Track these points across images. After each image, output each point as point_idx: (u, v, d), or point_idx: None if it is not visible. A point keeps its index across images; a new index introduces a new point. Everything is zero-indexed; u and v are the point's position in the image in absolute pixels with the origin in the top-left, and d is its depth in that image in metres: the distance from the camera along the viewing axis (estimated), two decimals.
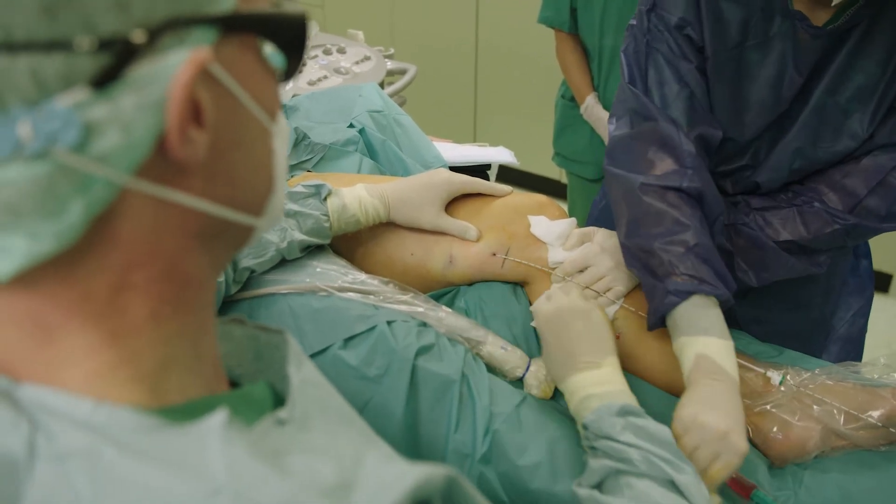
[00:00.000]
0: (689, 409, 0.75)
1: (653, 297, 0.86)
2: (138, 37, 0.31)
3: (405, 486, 0.34)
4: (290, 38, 0.39)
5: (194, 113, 0.34)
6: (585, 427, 0.74)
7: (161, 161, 0.34)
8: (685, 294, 0.82)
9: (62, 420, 0.33)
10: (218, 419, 0.34)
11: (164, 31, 0.32)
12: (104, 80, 0.31)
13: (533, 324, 0.92)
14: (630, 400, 0.75)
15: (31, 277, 0.33)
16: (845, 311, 1.14)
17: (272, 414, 0.39)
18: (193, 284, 0.39)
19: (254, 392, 0.43)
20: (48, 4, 0.29)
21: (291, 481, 0.34)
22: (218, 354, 0.43)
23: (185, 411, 0.36)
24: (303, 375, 0.43)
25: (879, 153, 0.92)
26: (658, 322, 0.86)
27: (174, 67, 0.32)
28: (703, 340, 0.81)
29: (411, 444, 0.79)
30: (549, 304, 0.84)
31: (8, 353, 0.35)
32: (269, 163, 0.41)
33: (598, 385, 0.76)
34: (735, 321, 1.11)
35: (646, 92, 0.94)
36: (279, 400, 0.43)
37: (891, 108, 0.91)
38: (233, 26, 0.36)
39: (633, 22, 0.97)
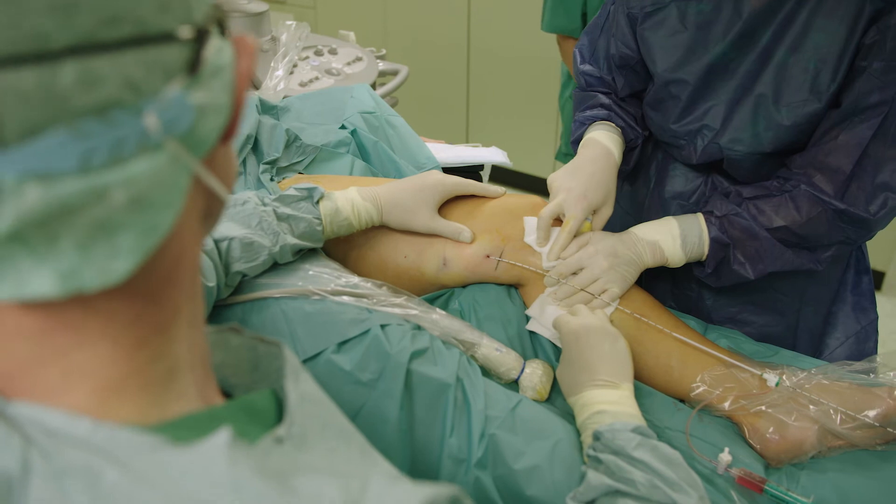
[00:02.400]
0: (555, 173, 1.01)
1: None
2: (210, 25, 0.34)
3: None
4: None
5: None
6: (597, 437, 0.74)
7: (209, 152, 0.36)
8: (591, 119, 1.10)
9: (59, 438, 0.32)
10: (222, 438, 0.33)
11: (211, 21, 0.35)
12: (195, 68, 0.33)
13: (546, 334, 0.93)
14: (644, 424, 0.75)
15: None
16: (842, 332, 1.12)
17: (271, 432, 0.38)
18: (197, 268, 0.39)
19: (256, 402, 0.42)
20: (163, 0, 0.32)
21: (298, 503, 0.33)
22: (208, 356, 0.43)
23: (186, 426, 0.35)
24: (301, 391, 0.42)
25: (855, 123, 0.90)
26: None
27: (228, 52, 0.36)
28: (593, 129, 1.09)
29: (406, 449, 0.78)
30: (577, 319, 0.87)
31: (12, 366, 0.34)
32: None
33: (613, 404, 0.77)
34: (710, 319, 1.12)
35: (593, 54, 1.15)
36: (282, 409, 0.43)
37: (853, 68, 0.90)
38: (218, 14, 0.38)
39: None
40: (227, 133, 0.37)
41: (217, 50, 0.35)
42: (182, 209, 0.34)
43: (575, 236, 0.98)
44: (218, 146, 0.37)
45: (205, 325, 0.43)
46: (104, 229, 0.31)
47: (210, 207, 0.40)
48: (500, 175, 3.02)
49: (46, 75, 0.28)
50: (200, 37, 0.33)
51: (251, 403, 0.42)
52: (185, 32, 0.32)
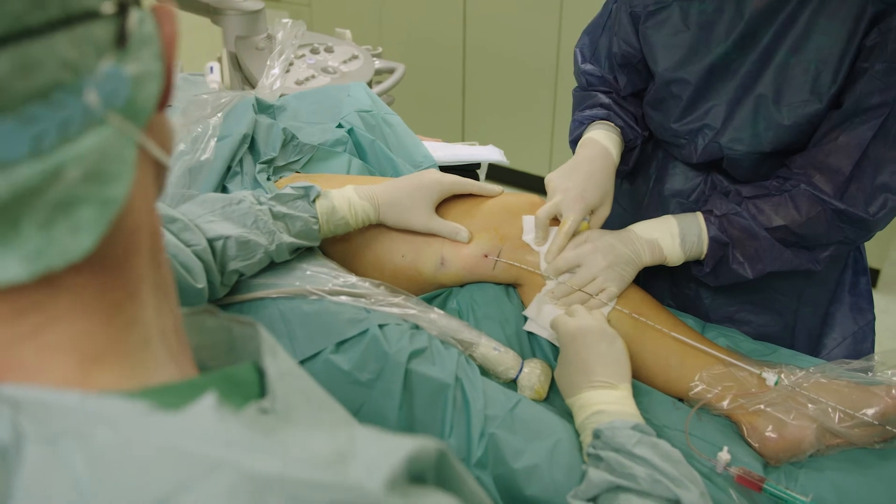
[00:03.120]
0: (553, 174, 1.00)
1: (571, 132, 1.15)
2: None
3: (402, 454, 0.35)
4: None
5: None
6: (597, 435, 0.74)
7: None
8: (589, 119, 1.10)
9: (49, 409, 0.32)
10: (209, 401, 0.34)
11: None
12: (123, 41, 0.34)
13: (544, 334, 0.92)
14: (643, 422, 0.76)
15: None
16: (840, 333, 1.12)
17: (256, 403, 0.38)
18: (157, 234, 0.40)
19: (238, 373, 0.42)
20: None
21: (290, 453, 0.33)
22: (182, 328, 0.43)
23: (169, 394, 0.36)
24: (280, 367, 0.43)
25: (856, 124, 0.90)
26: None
27: (150, 21, 0.36)
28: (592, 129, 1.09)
29: None
30: (574, 320, 0.87)
31: None
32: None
33: (612, 404, 0.77)
34: (708, 318, 1.12)
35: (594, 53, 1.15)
36: (264, 383, 0.43)
37: (854, 70, 0.90)
38: None
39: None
40: (163, 100, 0.38)
41: (139, 21, 0.35)
42: (133, 179, 0.35)
43: (572, 237, 0.97)
44: (155, 114, 0.37)
45: (177, 302, 0.43)
46: (63, 208, 0.32)
47: (156, 176, 0.41)
48: (496, 173, 3.01)
49: None
50: (122, 10, 0.34)
51: (233, 374, 0.42)
52: (108, 8, 0.33)
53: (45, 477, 0.30)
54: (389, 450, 0.35)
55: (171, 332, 0.41)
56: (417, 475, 0.36)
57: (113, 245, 0.36)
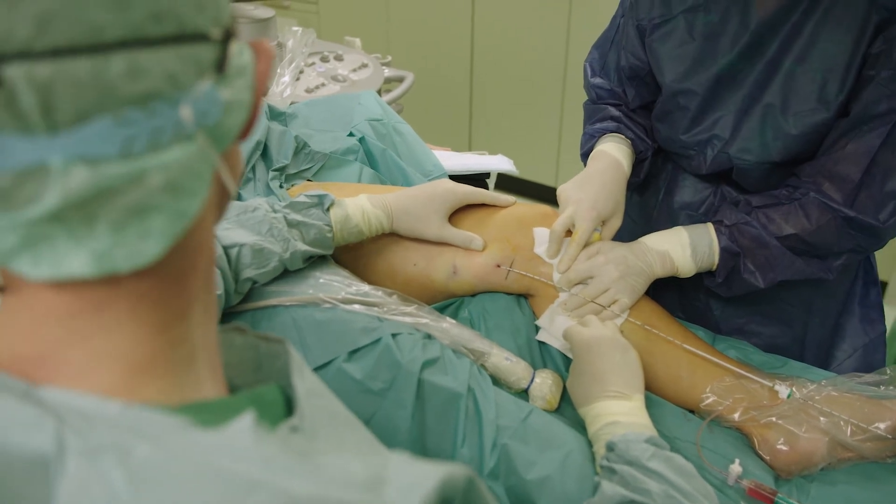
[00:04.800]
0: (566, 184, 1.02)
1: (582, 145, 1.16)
2: (235, 28, 0.37)
3: (434, 481, 0.35)
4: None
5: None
6: (611, 447, 0.74)
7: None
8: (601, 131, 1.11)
9: (91, 419, 0.33)
10: (247, 420, 0.34)
11: (232, 25, 0.37)
12: (222, 66, 0.35)
13: (556, 344, 0.93)
14: (656, 435, 0.76)
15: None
16: (850, 344, 1.12)
17: (286, 421, 0.39)
18: (212, 258, 0.41)
19: (265, 394, 0.43)
20: (201, 1, 0.34)
21: (326, 475, 0.34)
22: (218, 349, 0.43)
23: (207, 411, 0.36)
24: (307, 385, 0.43)
25: (864, 132, 0.91)
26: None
27: (248, 53, 0.38)
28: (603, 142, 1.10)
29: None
30: (588, 330, 0.87)
31: (40, 349, 0.35)
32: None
33: (625, 415, 0.77)
34: (717, 330, 1.12)
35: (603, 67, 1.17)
36: (289, 404, 0.43)
37: (860, 78, 0.90)
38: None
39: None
40: (245, 130, 0.39)
41: (239, 51, 0.37)
42: (205, 198, 0.36)
43: (584, 247, 0.98)
44: (235, 142, 0.39)
45: (217, 322, 0.44)
46: (138, 212, 0.33)
47: (221, 201, 0.42)
48: (504, 182, 3.02)
49: (99, 65, 0.30)
50: (227, 38, 0.36)
51: (260, 395, 0.43)
52: (216, 33, 0.35)
53: (84, 491, 0.31)
54: (422, 475, 0.36)
55: (213, 353, 0.42)
56: (446, 501, 0.37)
57: (176, 259, 0.37)
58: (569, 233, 0.99)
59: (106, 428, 0.32)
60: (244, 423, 0.34)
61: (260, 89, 0.39)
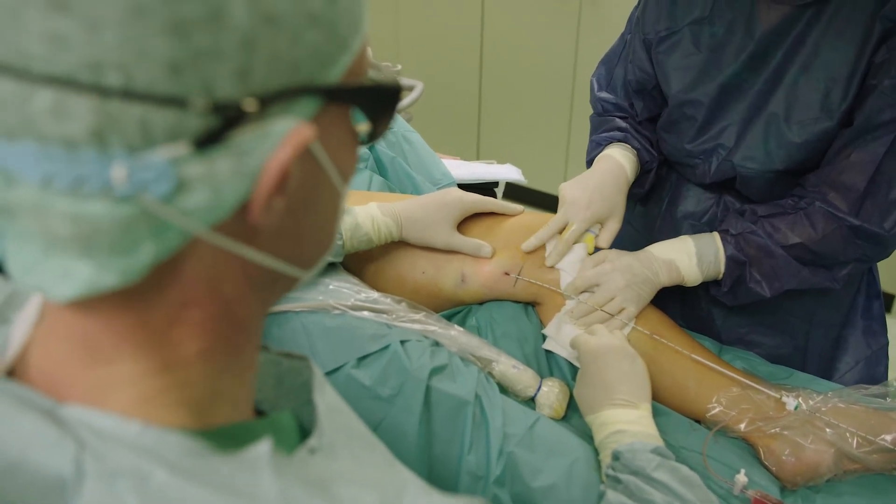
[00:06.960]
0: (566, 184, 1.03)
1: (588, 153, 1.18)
2: (249, 105, 0.31)
3: None
4: (383, 107, 0.39)
5: (281, 184, 0.34)
6: (616, 457, 0.74)
7: (237, 219, 0.34)
8: (607, 140, 1.13)
9: (110, 441, 0.33)
10: (265, 448, 0.34)
11: (274, 100, 0.32)
12: (207, 141, 0.31)
13: (563, 353, 0.93)
14: (663, 445, 0.76)
15: (91, 301, 0.33)
16: (852, 356, 1.12)
17: (305, 444, 0.39)
18: (245, 327, 0.39)
19: (281, 420, 0.43)
20: (176, 62, 0.29)
21: None
22: (249, 372, 0.43)
23: (225, 436, 0.36)
24: (327, 402, 0.44)
25: (868, 141, 0.91)
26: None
27: (276, 139, 0.32)
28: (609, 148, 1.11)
29: (424, 465, 0.79)
30: (596, 339, 0.87)
31: (57, 369, 0.36)
32: (333, 222, 0.41)
33: (632, 424, 0.78)
34: (720, 339, 1.12)
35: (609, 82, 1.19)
36: (302, 428, 0.44)
37: (864, 87, 0.91)
38: (336, 98, 0.36)
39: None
40: (245, 210, 0.34)
41: (260, 134, 0.32)
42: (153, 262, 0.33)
43: (574, 243, 0.99)
44: (225, 220, 0.33)
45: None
46: (45, 248, 0.32)
47: (268, 277, 0.38)
48: (512, 191, 3.03)
49: (23, 92, 0.29)
50: (234, 114, 0.31)
51: (277, 421, 0.43)
52: (198, 103, 0.30)
53: None
54: None
55: (247, 392, 0.41)
56: None
57: (150, 308, 0.35)
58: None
59: (124, 451, 0.32)
60: (262, 451, 0.34)
61: (266, 182, 0.33)
